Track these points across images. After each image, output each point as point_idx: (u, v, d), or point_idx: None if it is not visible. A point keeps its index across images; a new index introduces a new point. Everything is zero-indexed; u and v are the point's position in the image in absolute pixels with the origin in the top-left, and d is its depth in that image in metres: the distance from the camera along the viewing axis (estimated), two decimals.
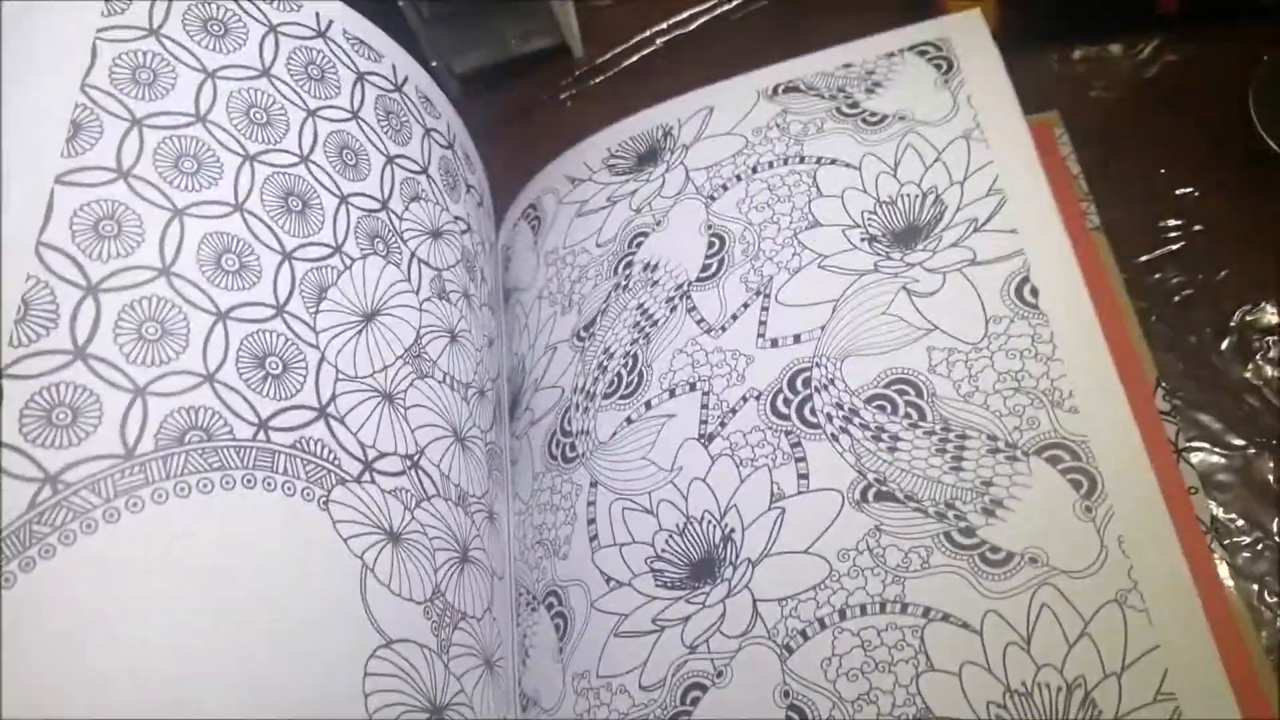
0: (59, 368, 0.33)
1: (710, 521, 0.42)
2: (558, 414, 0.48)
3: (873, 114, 0.47)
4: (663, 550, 0.42)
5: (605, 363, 0.47)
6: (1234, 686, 0.34)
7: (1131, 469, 0.37)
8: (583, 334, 0.49)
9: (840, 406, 0.41)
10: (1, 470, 0.31)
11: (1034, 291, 0.41)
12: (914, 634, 0.37)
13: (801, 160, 0.47)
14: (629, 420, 0.45)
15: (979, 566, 0.37)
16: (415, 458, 0.42)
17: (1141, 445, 0.38)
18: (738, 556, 0.41)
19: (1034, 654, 0.36)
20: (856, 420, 0.41)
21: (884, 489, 0.39)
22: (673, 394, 0.45)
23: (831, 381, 0.42)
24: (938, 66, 0.47)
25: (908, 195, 0.44)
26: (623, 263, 0.49)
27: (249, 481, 0.36)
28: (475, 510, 0.45)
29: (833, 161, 0.47)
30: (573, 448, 0.47)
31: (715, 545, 0.41)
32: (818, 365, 0.42)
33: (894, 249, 0.44)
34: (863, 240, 0.44)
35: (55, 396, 0.33)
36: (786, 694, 0.38)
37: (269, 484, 0.36)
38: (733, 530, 0.41)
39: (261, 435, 0.37)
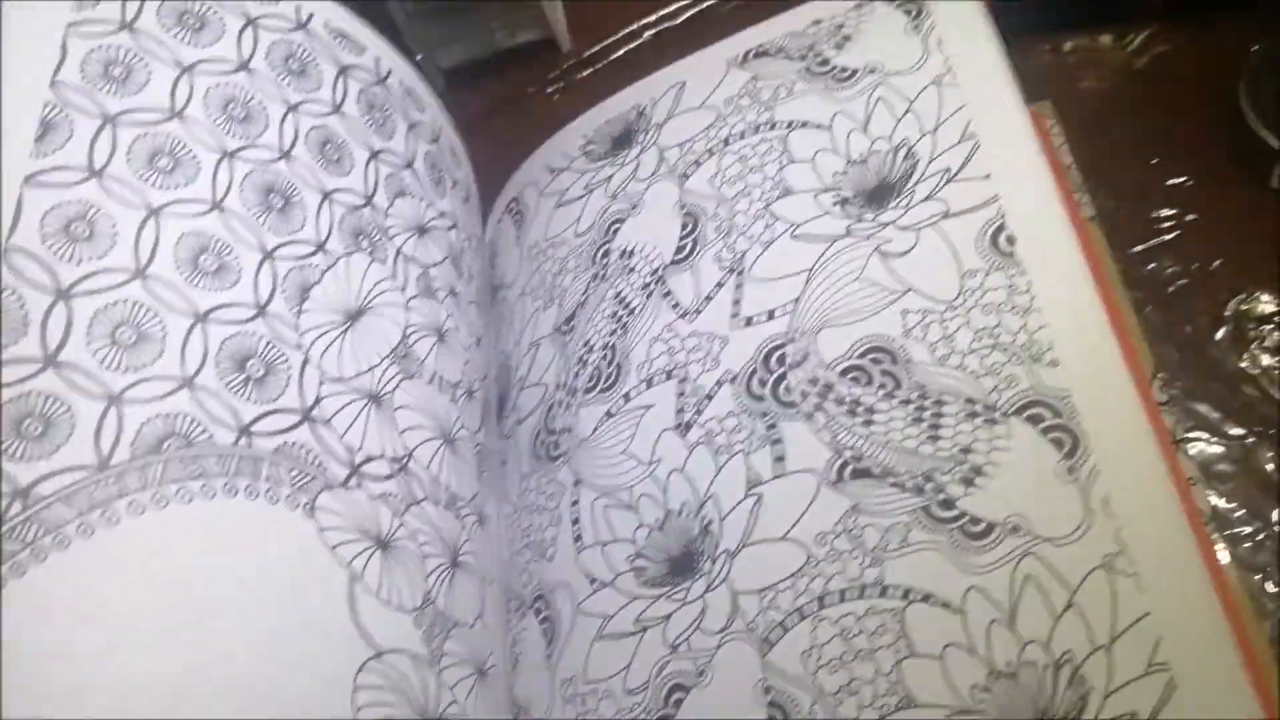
0: (28, 377, 0.34)
1: (689, 514, 0.41)
2: (542, 412, 0.48)
3: (843, 69, 0.46)
4: (643, 547, 0.42)
5: (585, 356, 0.47)
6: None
7: (1116, 421, 0.36)
8: (564, 328, 0.49)
9: (815, 382, 0.40)
10: None
11: (1010, 239, 0.39)
12: (894, 618, 0.36)
13: (772, 126, 0.46)
14: (609, 414, 0.45)
15: (959, 541, 0.36)
16: (404, 461, 0.41)
17: (1129, 396, 0.36)
18: (716, 548, 0.40)
19: (1018, 631, 0.35)
20: (831, 395, 0.40)
21: (860, 466, 0.38)
22: (650, 384, 0.44)
23: (806, 357, 0.41)
24: (907, 12, 0.46)
25: (879, 151, 0.43)
26: (600, 251, 0.49)
27: (230, 490, 0.36)
28: (465, 514, 0.44)
29: (804, 124, 0.46)
30: (556, 445, 0.46)
31: (694, 538, 0.40)
32: (791, 341, 0.41)
33: (866, 210, 0.42)
34: (835, 204, 0.43)
35: (25, 407, 0.34)
36: (767, 690, 0.37)
37: (251, 492, 0.36)
38: (710, 521, 0.40)
39: (243, 441, 0.37)
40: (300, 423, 0.39)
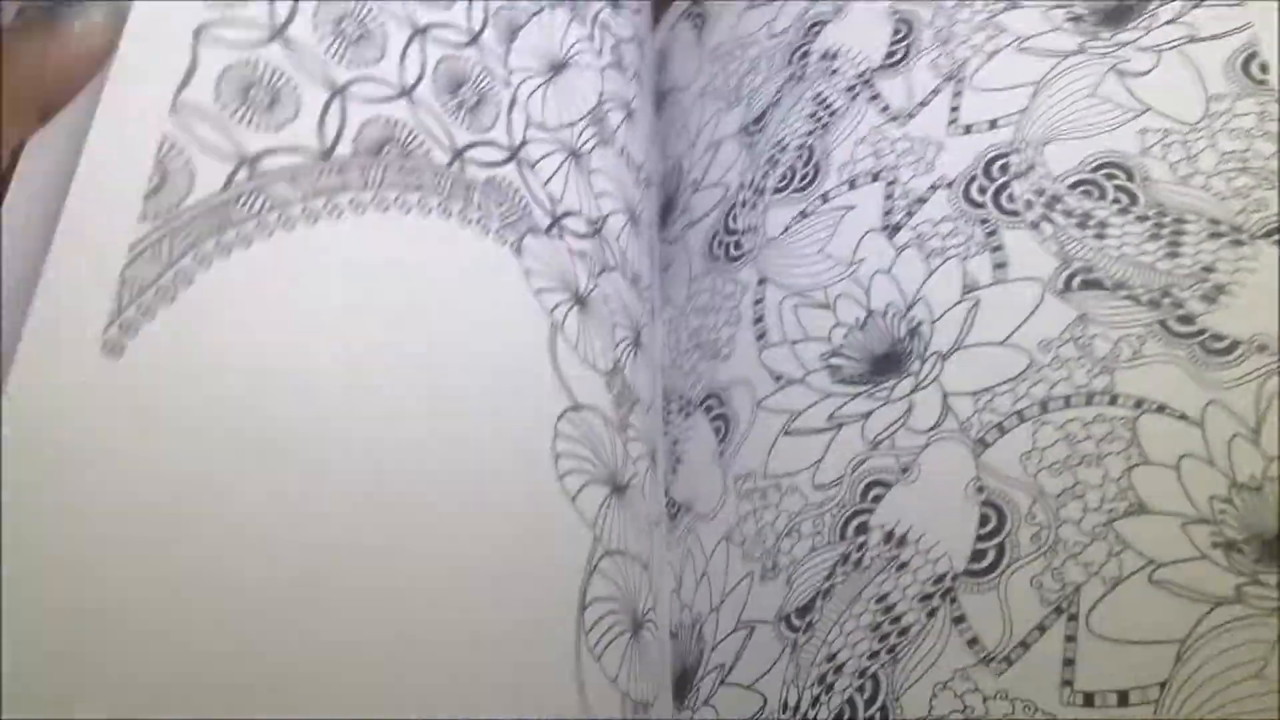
0: (256, 43, 0.32)
1: (895, 314, 0.40)
2: (721, 212, 0.47)
3: None
4: (841, 345, 0.41)
5: (777, 156, 0.46)
6: None
7: None
8: (751, 128, 0.47)
9: (1041, 193, 0.39)
10: (196, 138, 0.30)
11: (1263, 67, 0.38)
12: (1125, 426, 0.35)
13: None
14: (803, 214, 0.44)
15: (1199, 355, 0.35)
16: (598, 225, 0.41)
17: None
18: (926, 350, 0.39)
19: (1264, 446, 0.34)
20: (1059, 206, 0.39)
21: (1090, 277, 0.38)
22: (853, 185, 0.43)
23: (1031, 167, 0.40)
24: None
25: None
26: (798, 52, 0.47)
27: (445, 211, 0.34)
28: (645, 297, 0.44)
29: None
30: (738, 245, 0.45)
31: (901, 339, 0.40)
32: (1016, 151, 0.40)
33: (1101, 28, 0.41)
34: (1067, 20, 0.42)
35: (251, 74, 0.31)
36: (981, 489, 0.36)
37: (465, 218, 0.35)
38: (920, 323, 0.40)
39: (457, 165, 0.35)
40: (508, 160, 0.38)
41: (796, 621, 0.39)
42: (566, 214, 0.39)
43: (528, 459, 0.35)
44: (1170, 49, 0.40)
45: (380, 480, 0.31)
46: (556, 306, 0.37)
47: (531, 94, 0.40)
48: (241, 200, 0.30)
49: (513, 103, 0.39)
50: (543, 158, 0.39)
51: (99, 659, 0.24)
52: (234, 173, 0.30)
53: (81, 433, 0.25)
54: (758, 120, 0.48)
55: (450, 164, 0.36)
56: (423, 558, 0.31)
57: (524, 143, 0.39)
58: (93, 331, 0.26)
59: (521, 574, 0.34)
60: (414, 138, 0.35)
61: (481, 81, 0.38)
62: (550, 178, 0.39)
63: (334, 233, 0.32)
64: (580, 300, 0.39)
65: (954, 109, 0.43)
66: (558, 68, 0.41)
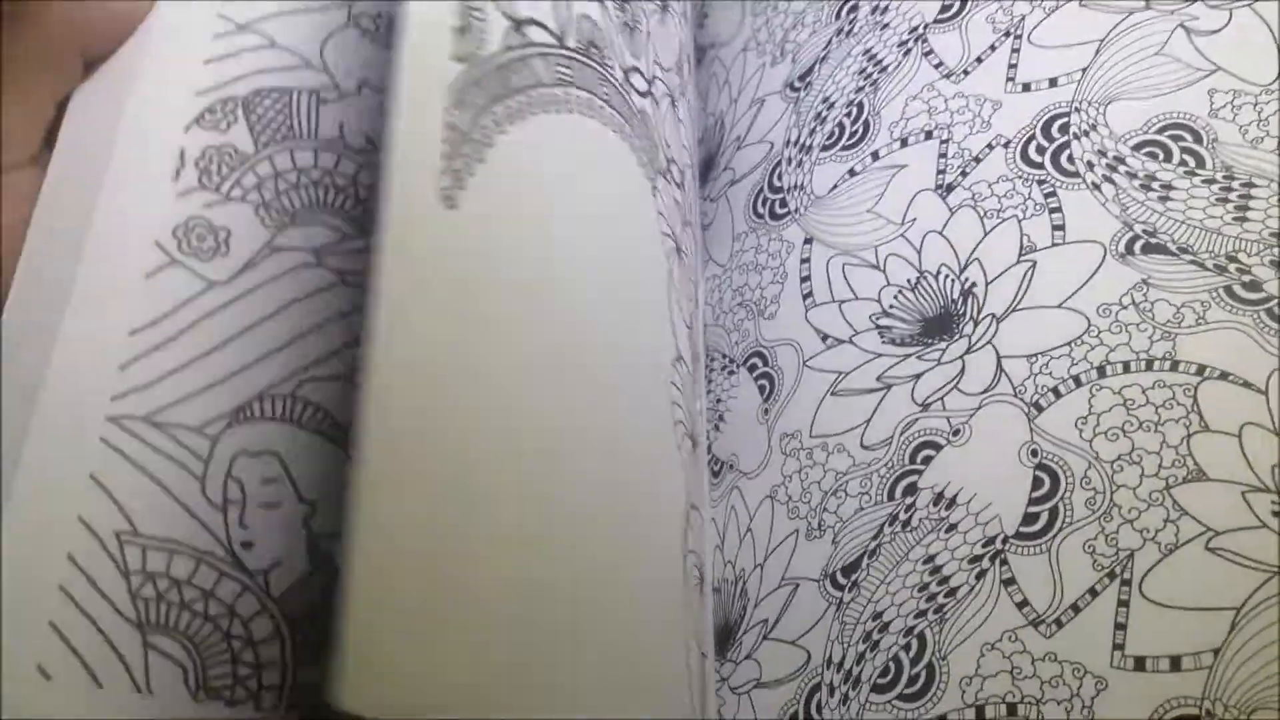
0: None
1: (948, 275, 0.39)
2: (765, 170, 0.46)
3: None
4: (891, 306, 0.40)
5: (824, 113, 0.44)
6: None
7: None
8: (797, 84, 0.46)
9: (1103, 154, 0.38)
10: None
11: None
12: (1186, 392, 0.34)
13: None
14: (852, 172, 0.43)
15: (1265, 322, 0.34)
16: (683, 175, 0.40)
17: None
18: (979, 311, 0.38)
19: None
20: (1122, 168, 0.38)
21: (1154, 240, 0.37)
22: (904, 143, 0.42)
23: (1093, 127, 0.39)
24: None
25: None
26: (846, 7, 0.46)
27: (621, 131, 0.33)
28: (695, 264, 0.43)
29: None
30: (783, 204, 0.44)
31: (954, 300, 0.39)
32: (1077, 110, 0.39)
33: None
34: None
35: None
36: (1035, 453, 0.36)
37: (631, 144, 0.34)
38: (974, 284, 0.39)
39: (625, 85, 0.35)
40: (647, 93, 0.37)
41: (842, 580, 0.38)
42: (671, 162, 0.39)
43: (654, 399, 0.35)
44: (1242, 6, 0.38)
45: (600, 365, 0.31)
46: (669, 254, 0.37)
47: (650, 31, 0.39)
48: (515, 67, 0.29)
49: (647, 34, 0.38)
50: (661, 97, 0.38)
51: (446, 504, 0.23)
52: (508, 32, 0.29)
53: (439, 286, 0.24)
54: (804, 76, 0.46)
55: (622, 83, 0.35)
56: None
57: (655, 78, 0.38)
58: (431, 179, 0.25)
59: (644, 517, 0.33)
60: (609, 47, 0.34)
61: (633, 5, 0.37)
62: (663, 119, 0.39)
63: (564, 125, 0.31)
64: (679, 251, 0.38)
65: (1012, 66, 0.41)
66: (663, 8, 0.40)
